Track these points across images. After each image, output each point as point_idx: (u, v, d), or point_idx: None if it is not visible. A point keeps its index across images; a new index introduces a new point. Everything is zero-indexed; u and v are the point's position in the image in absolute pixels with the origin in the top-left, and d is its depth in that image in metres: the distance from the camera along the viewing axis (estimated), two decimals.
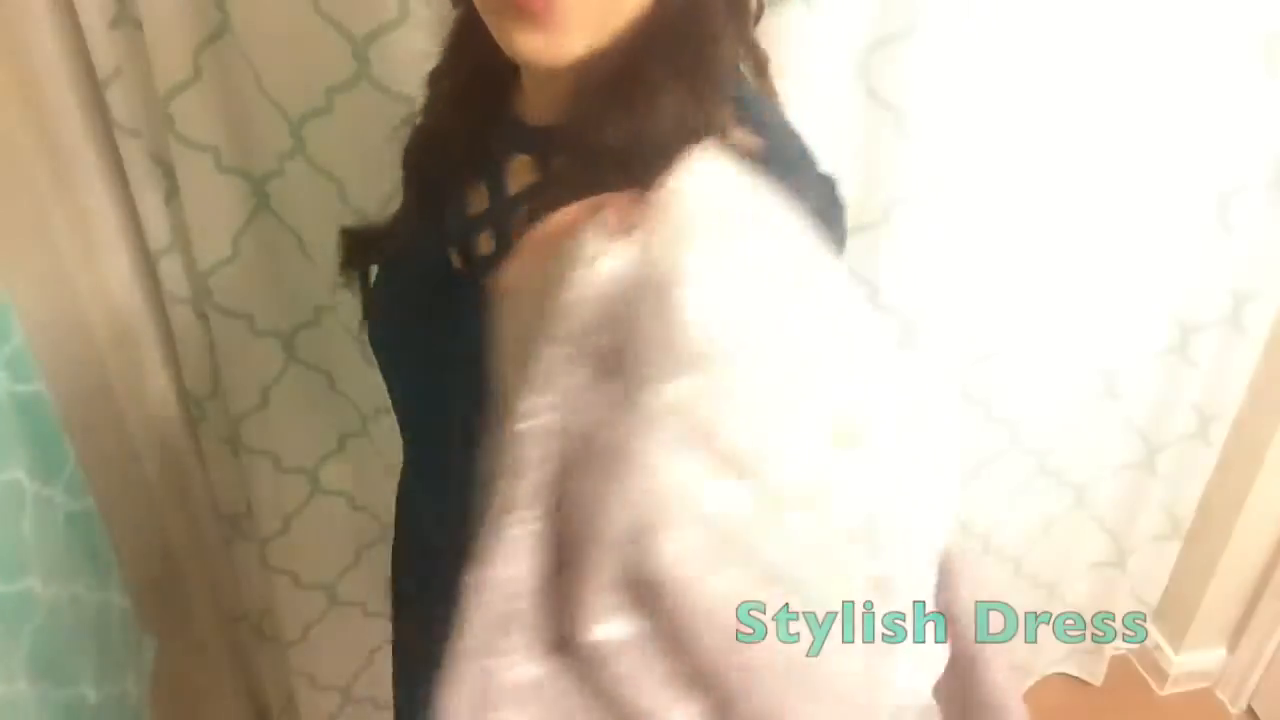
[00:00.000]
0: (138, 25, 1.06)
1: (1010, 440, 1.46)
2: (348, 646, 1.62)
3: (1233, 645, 1.90)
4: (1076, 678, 1.94)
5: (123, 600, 0.88)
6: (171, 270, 1.25)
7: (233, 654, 1.59)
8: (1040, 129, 1.18)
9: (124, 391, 1.26)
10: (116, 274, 1.23)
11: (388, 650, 1.59)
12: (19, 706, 0.68)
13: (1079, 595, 1.81)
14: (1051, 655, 1.91)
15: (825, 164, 0.70)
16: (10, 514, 0.69)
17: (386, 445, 1.38)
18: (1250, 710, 1.90)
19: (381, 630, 1.59)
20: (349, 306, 1.25)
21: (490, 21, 0.60)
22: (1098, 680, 1.92)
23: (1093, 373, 1.47)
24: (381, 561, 1.50)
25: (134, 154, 1.16)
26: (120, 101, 1.12)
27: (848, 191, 1.16)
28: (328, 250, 1.17)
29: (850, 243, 1.21)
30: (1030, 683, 1.90)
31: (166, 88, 1.09)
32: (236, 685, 1.60)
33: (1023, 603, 1.70)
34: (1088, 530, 1.70)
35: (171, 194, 1.19)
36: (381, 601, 1.55)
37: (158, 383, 1.33)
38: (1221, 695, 1.93)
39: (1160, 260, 1.38)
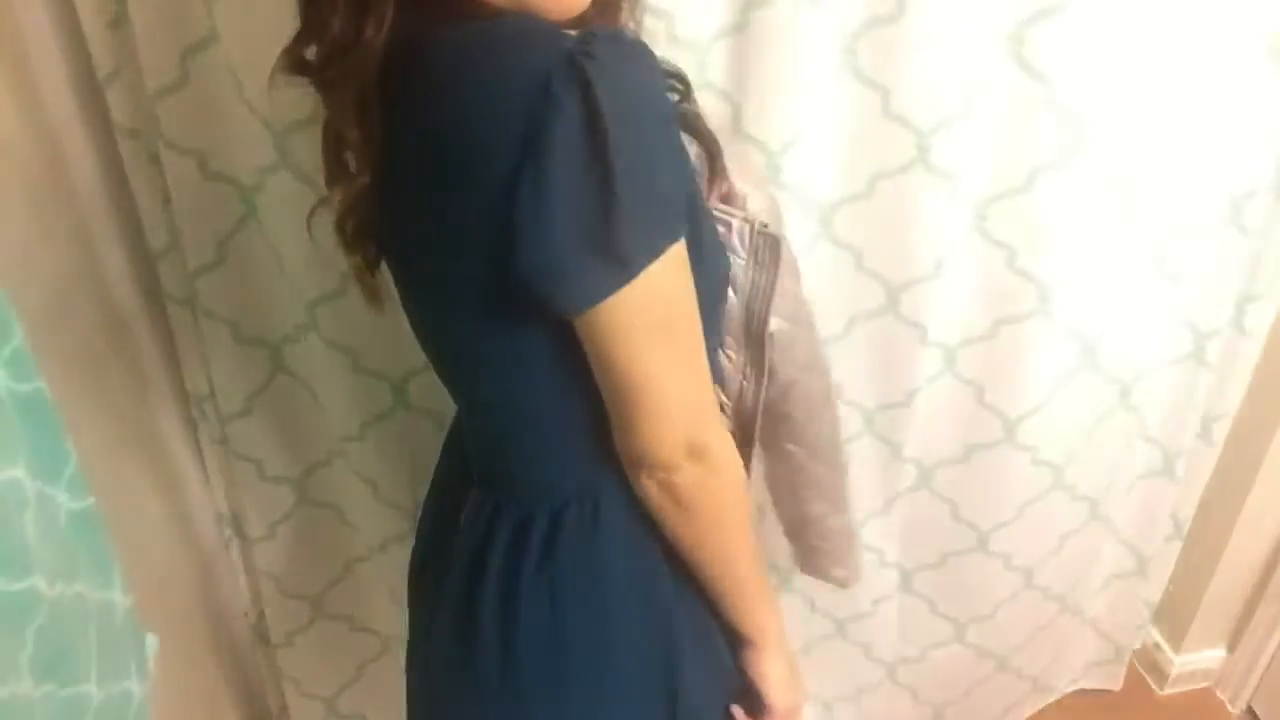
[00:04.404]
0: (133, 25, 1.06)
1: (1005, 441, 1.46)
2: (333, 659, 1.62)
3: (1233, 645, 1.91)
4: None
5: (124, 599, 0.88)
6: (170, 271, 1.25)
7: (232, 654, 1.59)
8: (1034, 117, 1.19)
9: (124, 391, 1.26)
10: (116, 273, 1.23)
11: (375, 666, 1.61)
12: (24, 706, 0.68)
13: (1094, 608, 1.80)
14: (1072, 672, 1.90)
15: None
16: (13, 513, 0.69)
17: (373, 460, 1.38)
18: (1250, 710, 1.90)
19: (369, 647, 1.60)
20: (331, 322, 1.26)
21: None
22: (1117, 685, 1.92)
23: (1107, 381, 1.46)
24: (369, 582, 1.50)
25: (133, 154, 1.16)
26: (119, 102, 1.12)
27: (835, 164, 1.19)
28: (310, 264, 1.18)
29: (836, 214, 1.24)
30: (1051, 699, 1.90)
31: (154, 89, 1.09)
32: (236, 686, 1.60)
33: (1035, 615, 1.70)
34: (1105, 544, 1.69)
35: (169, 195, 1.19)
36: (367, 618, 1.56)
37: (157, 382, 1.33)
38: (1221, 695, 1.94)
39: (1175, 265, 1.38)
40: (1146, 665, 1.97)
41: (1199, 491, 1.72)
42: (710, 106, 1.13)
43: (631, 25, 0.87)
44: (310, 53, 0.71)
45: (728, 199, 0.93)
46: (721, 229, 0.90)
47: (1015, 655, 1.74)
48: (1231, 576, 1.80)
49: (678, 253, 0.70)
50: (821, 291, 1.27)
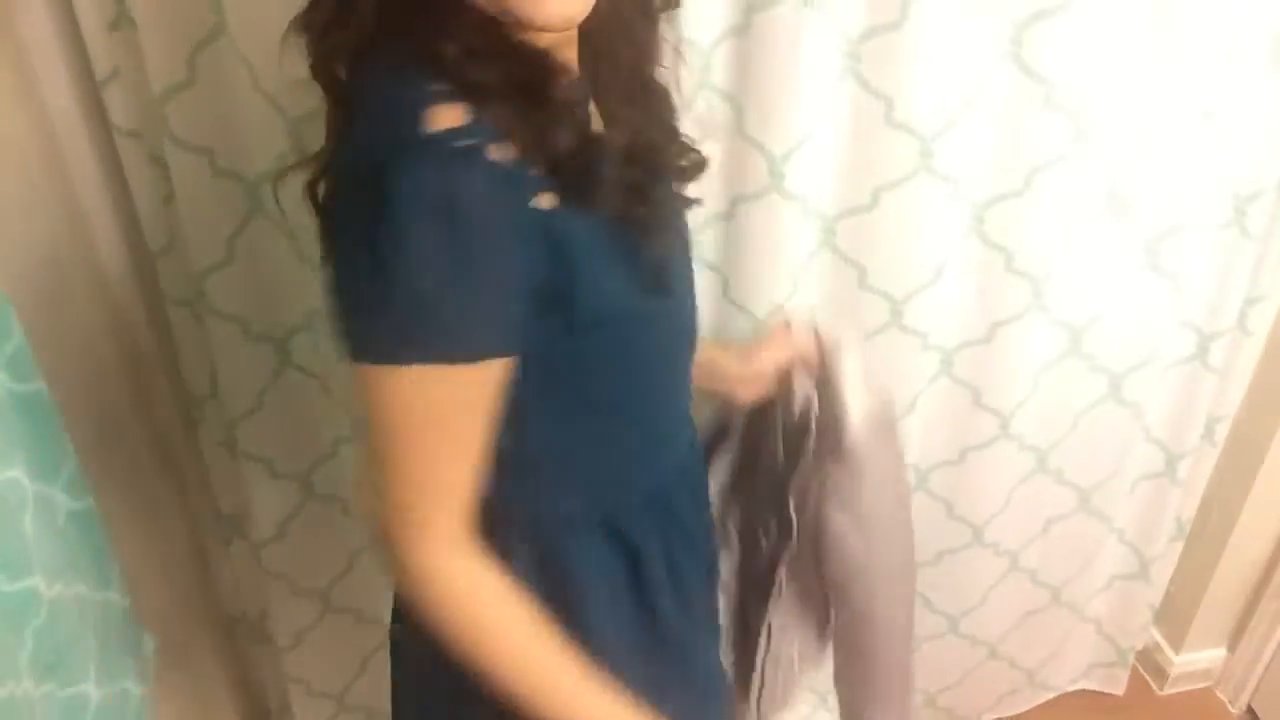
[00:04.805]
0: (136, 26, 1.05)
1: (1002, 434, 1.46)
2: (341, 654, 1.61)
3: (1233, 645, 1.91)
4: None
5: (122, 600, 0.88)
6: (170, 271, 1.24)
7: (232, 655, 1.59)
8: (1034, 119, 1.19)
9: (124, 392, 1.26)
10: (116, 274, 1.23)
11: (380, 658, 1.60)
12: (23, 706, 0.68)
13: (1095, 608, 1.80)
14: (1072, 671, 1.90)
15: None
16: (12, 513, 0.69)
17: None
18: (1250, 710, 1.90)
19: (374, 637, 1.59)
20: None
21: None
22: (1120, 690, 1.91)
23: (1092, 369, 1.46)
24: (375, 571, 1.50)
25: (133, 155, 1.16)
26: (118, 103, 1.12)
27: (838, 171, 1.19)
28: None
29: (839, 226, 1.23)
30: (1050, 696, 1.89)
31: (161, 89, 1.09)
32: (235, 686, 1.60)
33: (1023, 600, 1.70)
34: (1105, 543, 1.68)
35: (171, 195, 1.19)
36: (375, 609, 1.56)
37: (157, 383, 1.33)
38: (1221, 695, 1.94)
39: (1177, 266, 1.37)
40: (1147, 665, 1.97)
41: (1200, 492, 1.72)
42: (713, 109, 1.13)
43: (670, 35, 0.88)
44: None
45: (824, 382, 1.02)
46: (797, 403, 1.03)
47: (1004, 642, 1.74)
48: (1231, 576, 1.80)
49: (440, 375, 0.68)
50: (824, 308, 1.28)
